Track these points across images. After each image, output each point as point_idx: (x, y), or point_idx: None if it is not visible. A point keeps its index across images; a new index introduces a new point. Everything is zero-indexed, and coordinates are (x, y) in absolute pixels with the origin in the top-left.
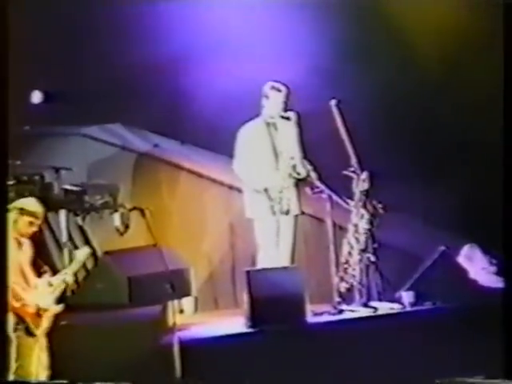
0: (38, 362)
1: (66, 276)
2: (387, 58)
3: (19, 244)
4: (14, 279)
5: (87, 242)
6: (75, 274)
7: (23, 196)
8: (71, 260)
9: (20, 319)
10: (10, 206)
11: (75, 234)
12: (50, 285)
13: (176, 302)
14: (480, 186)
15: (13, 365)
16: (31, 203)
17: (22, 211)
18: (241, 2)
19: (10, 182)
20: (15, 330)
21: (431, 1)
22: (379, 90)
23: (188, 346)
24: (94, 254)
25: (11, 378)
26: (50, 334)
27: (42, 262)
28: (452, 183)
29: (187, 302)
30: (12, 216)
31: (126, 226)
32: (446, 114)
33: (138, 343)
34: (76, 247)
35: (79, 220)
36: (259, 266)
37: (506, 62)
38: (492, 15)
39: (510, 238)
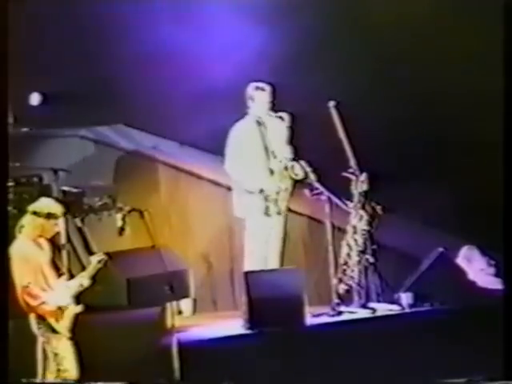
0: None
1: (83, 279)
2: (387, 60)
3: (39, 245)
4: (32, 279)
5: (86, 243)
6: (92, 278)
7: (22, 198)
8: (70, 261)
9: (40, 318)
10: (29, 209)
11: (74, 235)
12: (67, 287)
13: (175, 303)
14: (479, 187)
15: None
16: (47, 205)
17: (37, 214)
18: (233, 2)
19: (9, 184)
20: (38, 328)
21: (431, 1)
22: (378, 91)
23: (187, 348)
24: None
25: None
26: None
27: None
28: (451, 184)
29: (186, 304)
30: (26, 219)
31: (122, 228)
32: (446, 115)
33: (136, 345)
34: (75, 249)
35: (78, 222)
36: (246, 267)
37: (505, 63)
38: (492, 15)
39: (510, 239)
